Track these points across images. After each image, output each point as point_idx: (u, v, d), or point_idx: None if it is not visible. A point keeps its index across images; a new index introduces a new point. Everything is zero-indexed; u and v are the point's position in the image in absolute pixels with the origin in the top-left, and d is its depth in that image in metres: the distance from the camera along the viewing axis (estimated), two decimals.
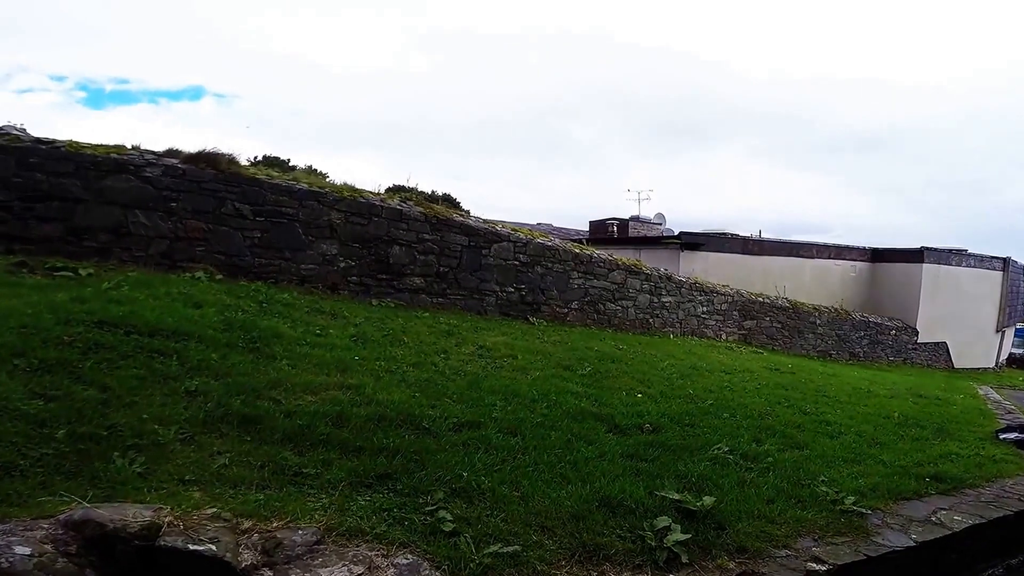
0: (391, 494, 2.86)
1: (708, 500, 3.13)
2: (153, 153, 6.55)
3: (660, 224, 19.75)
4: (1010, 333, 21.34)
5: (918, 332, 16.34)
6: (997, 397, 9.48)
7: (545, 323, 8.80)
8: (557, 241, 9.87)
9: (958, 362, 17.24)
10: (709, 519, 3.02)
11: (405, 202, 8.15)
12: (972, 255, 17.94)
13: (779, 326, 13.02)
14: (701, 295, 11.55)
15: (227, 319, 4.85)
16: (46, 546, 1.88)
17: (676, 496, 3.14)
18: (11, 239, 5.66)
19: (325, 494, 2.75)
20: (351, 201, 7.51)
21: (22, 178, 5.73)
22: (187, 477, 2.71)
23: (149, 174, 6.29)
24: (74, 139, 6.23)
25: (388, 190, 9.44)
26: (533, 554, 2.54)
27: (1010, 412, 7.84)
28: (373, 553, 2.32)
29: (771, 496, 3.49)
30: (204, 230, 6.56)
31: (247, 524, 2.32)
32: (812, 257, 16.20)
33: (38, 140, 6.01)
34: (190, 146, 6.75)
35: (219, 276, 6.36)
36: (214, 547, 2.06)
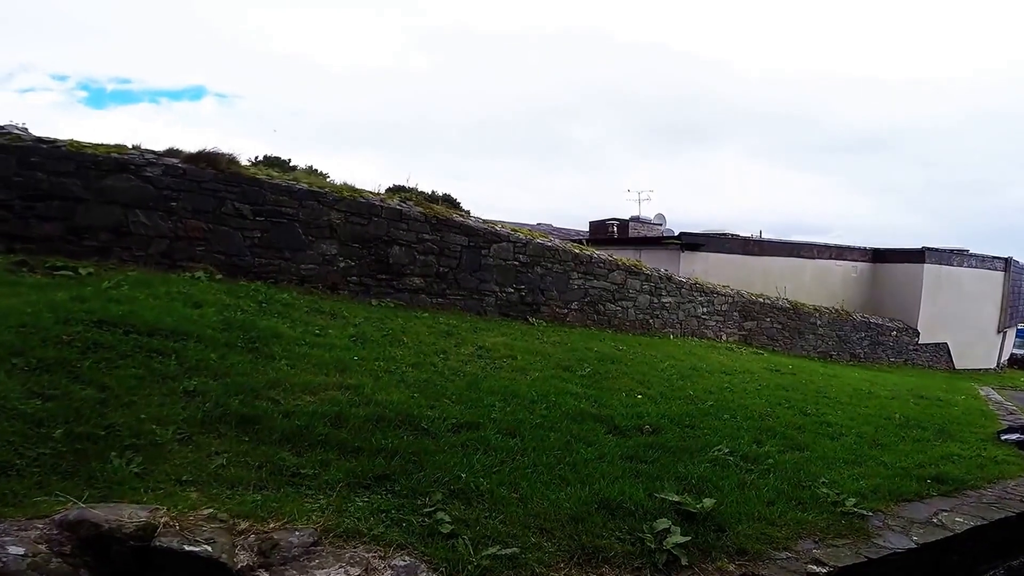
0: (389, 495, 2.85)
1: (708, 502, 3.11)
2: (153, 153, 6.55)
3: (660, 224, 19.74)
4: (1011, 334, 21.31)
5: (919, 333, 16.31)
6: (998, 398, 9.45)
7: (545, 324, 8.79)
8: (557, 241, 9.86)
9: (959, 363, 17.20)
10: (709, 521, 3.00)
11: (405, 202, 8.14)
12: (973, 255, 17.90)
13: (779, 327, 13.00)
14: (701, 296, 11.52)
15: (226, 319, 4.84)
16: (40, 546, 1.87)
17: (676, 498, 3.12)
18: (12, 238, 5.66)
19: (323, 495, 2.74)
20: (351, 201, 7.51)
21: (23, 177, 5.73)
22: (184, 477, 2.70)
23: (149, 174, 6.28)
24: (75, 138, 6.23)
25: (388, 190, 9.44)
26: (531, 556, 2.53)
27: (1012, 413, 7.82)
28: (370, 555, 2.31)
29: (771, 498, 3.47)
30: (204, 230, 6.55)
31: (244, 525, 2.31)
32: (813, 258, 16.17)
33: (39, 139, 6.01)
34: (191, 146, 6.76)
35: (219, 276, 6.36)
36: (210, 548, 2.05)
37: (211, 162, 6.66)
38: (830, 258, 16.60)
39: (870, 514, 3.50)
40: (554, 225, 22.05)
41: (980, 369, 17.73)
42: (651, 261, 12.23)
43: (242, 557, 2.11)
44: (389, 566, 2.26)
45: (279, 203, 7.00)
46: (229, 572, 2.04)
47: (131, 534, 2.02)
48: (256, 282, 6.54)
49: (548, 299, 9.20)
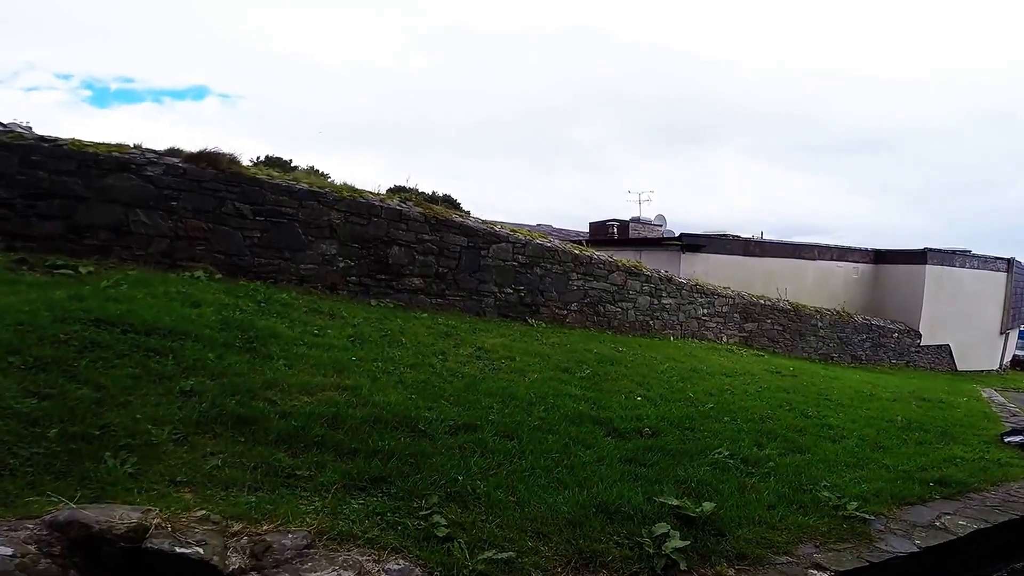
0: (385, 498, 2.82)
1: (708, 506, 3.08)
2: (154, 152, 6.54)
3: (661, 225, 19.69)
4: (1014, 335, 21.24)
5: (921, 335, 16.24)
6: (1001, 400, 9.39)
7: (544, 325, 8.76)
8: (556, 242, 9.83)
9: (961, 365, 17.13)
10: (709, 525, 2.97)
11: (404, 202, 8.12)
12: (975, 256, 17.83)
13: (780, 329, 12.95)
14: (702, 297, 11.49)
15: (225, 319, 4.82)
16: (29, 547, 1.85)
17: (675, 502, 3.09)
18: (12, 236, 5.66)
19: (318, 497, 2.71)
20: (351, 201, 7.49)
21: (25, 176, 5.73)
22: (179, 478, 2.68)
23: (150, 173, 6.28)
24: (76, 137, 6.23)
25: (388, 190, 9.42)
26: (528, 561, 2.50)
27: (1015, 415, 7.76)
28: (364, 558, 2.28)
29: (772, 502, 3.44)
30: (204, 229, 6.54)
31: (237, 527, 2.29)
32: (814, 259, 16.12)
33: (41, 138, 6.01)
34: (193, 145, 6.76)
35: (218, 275, 6.35)
36: (201, 550, 2.03)
37: (212, 162, 6.66)
38: (831, 259, 16.54)
39: (872, 518, 3.46)
40: (554, 226, 22.00)
41: (983, 371, 17.66)
42: (651, 262, 12.20)
43: (234, 559, 2.09)
44: (383, 570, 2.23)
45: (279, 203, 6.99)
46: (220, 574, 2.01)
47: (122, 535, 1.99)
48: (255, 282, 6.52)
49: (547, 300, 9.17)
